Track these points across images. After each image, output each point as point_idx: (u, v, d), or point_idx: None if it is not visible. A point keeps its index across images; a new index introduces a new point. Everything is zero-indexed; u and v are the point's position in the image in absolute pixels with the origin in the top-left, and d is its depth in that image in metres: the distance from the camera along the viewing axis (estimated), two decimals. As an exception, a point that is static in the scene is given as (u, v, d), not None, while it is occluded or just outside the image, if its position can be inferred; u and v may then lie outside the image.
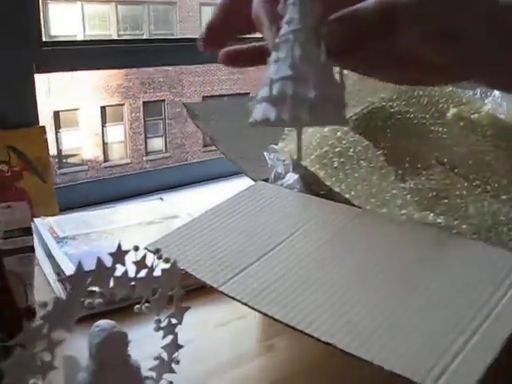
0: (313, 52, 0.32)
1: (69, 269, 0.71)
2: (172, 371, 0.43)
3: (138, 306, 0.40)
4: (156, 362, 0.43)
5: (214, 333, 0.63)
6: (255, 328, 0.65)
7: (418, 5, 0.32)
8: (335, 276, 0.47)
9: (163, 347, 0.43)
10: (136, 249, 0.37)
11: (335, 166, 0.54)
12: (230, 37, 0.42)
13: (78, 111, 8.52)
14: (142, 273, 0.37)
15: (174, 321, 0.42)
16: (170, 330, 0.42)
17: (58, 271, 0.72)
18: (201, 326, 0.63)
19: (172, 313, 0.42)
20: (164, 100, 8.99)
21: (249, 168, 0.67)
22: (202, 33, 0.41)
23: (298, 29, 0.32)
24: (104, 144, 8.95)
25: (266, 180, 0.64)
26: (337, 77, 0.34)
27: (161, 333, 0.42)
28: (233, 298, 0.47)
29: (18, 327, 0.51)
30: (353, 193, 0.53)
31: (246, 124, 0.35)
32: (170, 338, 0.43)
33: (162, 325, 0.42)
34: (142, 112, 9.01)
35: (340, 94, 0.33)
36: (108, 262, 0.35)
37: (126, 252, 0.36)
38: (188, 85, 9.23)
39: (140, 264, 0.37)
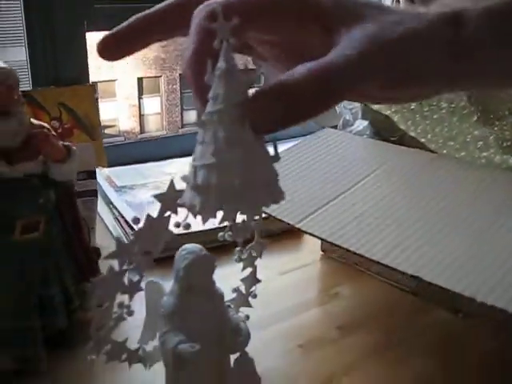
0: (239, 132, 0.28)
1: (129, 215, 0.71)
2: (249, 305, 0.43)
3: (221, 233, 0.39)
4: (234, 295, 0.43)
5: (278, 280, 0.62)
6: (319, 277, 0.64)
7: (358, 63, 0.28)
8: (415, 215, 0.45)
9: (242, 280, 0.43)
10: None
11: (412, 107, 0.52)
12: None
13: (115, 82, 8.58)
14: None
15: (253, 253, 0.42)
16: (250, 262, 0.42)
17: (118, 218, 0.73)
18: (265, 272, 0.62)
19: (252, 245, 0.41)
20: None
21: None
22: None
23: (222, 108, 0.28)
24: (140, 116, 9.00)
25: (334, 127, 0.63)
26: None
27: (240, 266, 0.42)
28: (311, 235, 0.46)
29: (90, 268, 0.52)
30: (429, 136, 0.51)
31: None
32: (248, 270, 0.42)
33: (243, 256, 0.42)
34: (178, 84, 9.02)
35: (271, 171, 0.30)
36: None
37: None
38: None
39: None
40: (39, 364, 0.46)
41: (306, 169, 0.55)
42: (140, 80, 8.95)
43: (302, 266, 0.65)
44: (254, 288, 0.43)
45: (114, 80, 8.60)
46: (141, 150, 1.32)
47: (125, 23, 0.34)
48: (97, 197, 0.69)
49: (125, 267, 0.34)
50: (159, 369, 0.39)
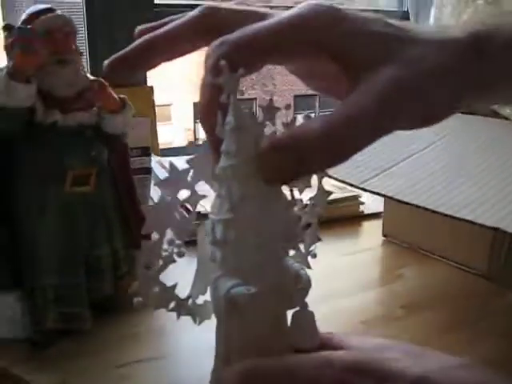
0: (252, 187, 0.29)
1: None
2: (308, 266, 0.39)
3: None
4: (291, 253, 0.39)
5: (341, 261, 0.59)
6: (381, 259, 0.60)
7: (376, 113, 0.27)
8: (491, 174, 0.41)
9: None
10: (287, 107, 0.33)
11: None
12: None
13: (170, 106, 8.75)
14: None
15: (316, 207, 0.38)
16: (311, 215, 0.39)
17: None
18: (327, 253, 0.59)
19: (314, 195, 0.38)
20: (255, 98, 9.04)
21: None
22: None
23: (234, 164, 0.28)
24: (195, 139, 9.12)
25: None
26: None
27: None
28: (377, 194, 0.43)
29: (140, 233, 0.49)
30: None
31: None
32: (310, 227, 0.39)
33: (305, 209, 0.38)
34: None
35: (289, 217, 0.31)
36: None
37: (277, 109, 0.32)
38: (280, 83, 9.23)
39: (289, 127, 0.34)
40: (83, 323, 0.44)
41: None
42: (196, 105, 9.10)
43: (365, 249, 0.62)
44: (313, 247, 0.40)
45: (170, 104, 8.78)
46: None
47: (132, 46, 0.32)
48: (150, 174, 0.67)
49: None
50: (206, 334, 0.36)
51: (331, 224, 0.66)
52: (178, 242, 0.32)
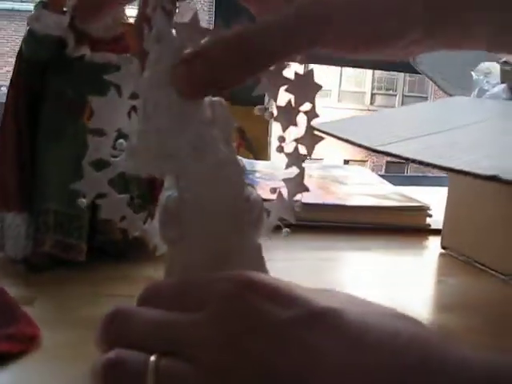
0: (167, 97, 0.28)
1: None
2: (291, 217, 0.36)
3: (259, 106, 0.34)
4: (272, 197, 0.36)
5: (393, 267, 0.55)
6: (437, 269, 0.57)
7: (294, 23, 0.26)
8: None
9: (285, 180, 0.36)
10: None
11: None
12: None
13: (321, 162, 8.87)
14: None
15: (302, 150, 0.35)
16: (296, 159, 0.35)
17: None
18: (384, 263, 0.55)
19: (301, 137, 0.35)
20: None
21: (447, 86, 0.58)
22: None
23: (151, 75, 0.28)
24: (344, 196, 9.12)
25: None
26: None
27: (283, 158, 0.35)
28: (390, 155, 0.39)
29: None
30: None
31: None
32: (294, 170, 0.36)
33: (287, 150, 0.35)
34: (383, 171, 9.00)
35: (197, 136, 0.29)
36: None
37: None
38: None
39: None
40: (78, 255, 0.44)
41: (417, 115, 0.48)
42: (346, 162, 9.13)
43: (421, 259, 0.59)
44: (300, 196, 0.36)
45: (321, 159, 8.88)
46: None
47: None
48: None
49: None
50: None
51: (395, 232, 0.63)
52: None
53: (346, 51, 0.28)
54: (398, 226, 0.64)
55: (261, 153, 1.18)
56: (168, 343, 0.23)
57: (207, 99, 0.30)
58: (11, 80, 0.45)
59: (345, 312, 0.22)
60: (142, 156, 0.28)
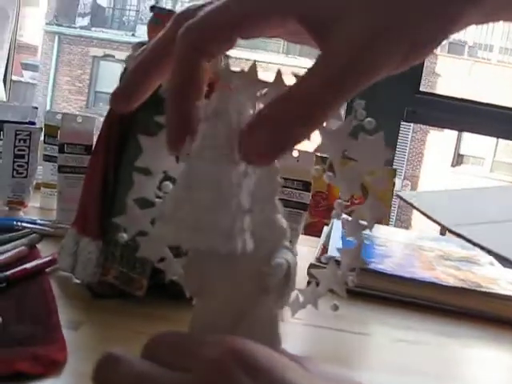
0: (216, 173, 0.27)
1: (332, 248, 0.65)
2: (341, 291, 0.33)
3: (317, 167, 0.32)
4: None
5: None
6: None
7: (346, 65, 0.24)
8: None
9: (340, 251, 0.33)
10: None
11: None
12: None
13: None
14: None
15: (363, 219, 0.32)
16: (355, 230, 0.32)
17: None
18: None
19: (362, 206, 0.32)
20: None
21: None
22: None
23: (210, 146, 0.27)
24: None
25: None
26: None
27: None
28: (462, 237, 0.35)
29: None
30: None
31: None
32: (353, 243, 0.33)
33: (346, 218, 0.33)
34: None
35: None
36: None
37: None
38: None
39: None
40: (137, 290, 0.44)
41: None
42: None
43: None
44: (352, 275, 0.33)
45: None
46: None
47: (129, 76, 0.32)
48: (306, 211, 0.66)
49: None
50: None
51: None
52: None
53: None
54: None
55: (384, 217, 1.13)
56: None
57: None
58: (108, 112, 0.48)
59: None
60: (174, 224, 0.27)
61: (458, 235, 0.35)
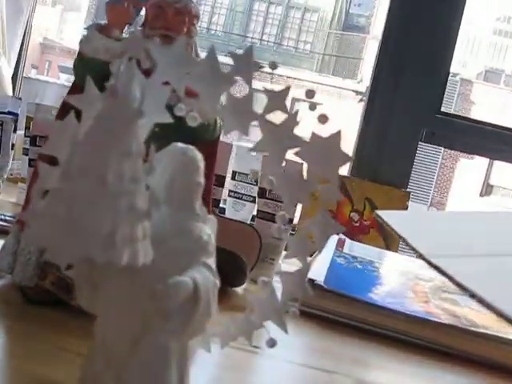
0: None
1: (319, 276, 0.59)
2: (281, 325, 0.28)
3: (253, 169, 0.27)
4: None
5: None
6: None
7: None
8: None
9: (280, 274, 0.28)
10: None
11: None
12: None
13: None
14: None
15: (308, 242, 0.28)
16: (300, 250, 0.27)
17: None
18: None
19: (312, 222, 0.28)
20: None
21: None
22: None
23: None
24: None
25: None
26: None
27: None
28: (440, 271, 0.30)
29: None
30: None
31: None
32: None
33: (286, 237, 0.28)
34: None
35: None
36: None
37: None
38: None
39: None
40: (74, 299, 0.40)
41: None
42: None
43: None
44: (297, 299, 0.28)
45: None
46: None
47: None
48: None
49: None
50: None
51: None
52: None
53: None
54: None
55: (391, 241, 1.07)
56: None
57: None
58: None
59: None
60: (47, 222, 0.22)
61: (436, 268, 0.29)
